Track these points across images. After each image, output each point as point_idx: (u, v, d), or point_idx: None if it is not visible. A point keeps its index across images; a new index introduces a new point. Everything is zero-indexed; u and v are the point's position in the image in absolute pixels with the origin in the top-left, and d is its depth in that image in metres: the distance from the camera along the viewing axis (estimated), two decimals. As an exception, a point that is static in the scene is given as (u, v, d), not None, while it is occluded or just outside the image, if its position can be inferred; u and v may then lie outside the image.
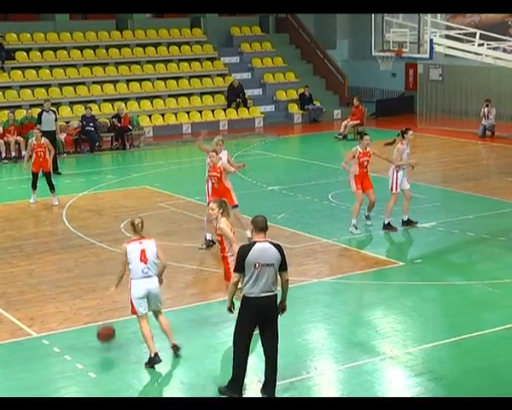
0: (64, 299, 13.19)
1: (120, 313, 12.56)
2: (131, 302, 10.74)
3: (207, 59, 33.02)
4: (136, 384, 10.24)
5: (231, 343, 10.07)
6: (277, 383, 9.72)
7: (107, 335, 11.28)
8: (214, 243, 15.65)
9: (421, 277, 14.24)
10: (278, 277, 9.61)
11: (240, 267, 9.40)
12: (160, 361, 10.60)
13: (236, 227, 13.42)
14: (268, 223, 9.74)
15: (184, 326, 11.90)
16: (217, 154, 15.52)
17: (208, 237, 15.87)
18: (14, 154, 25.38)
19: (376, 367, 10.68)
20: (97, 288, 13.70)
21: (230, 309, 9.84)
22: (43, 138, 19.05)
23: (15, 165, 24.76)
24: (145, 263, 10.59)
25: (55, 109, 24.35)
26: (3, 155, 25.31)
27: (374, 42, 22.66)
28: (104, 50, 31.26)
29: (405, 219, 17.14)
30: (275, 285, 9.48)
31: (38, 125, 22.99)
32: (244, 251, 9.40)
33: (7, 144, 25.43)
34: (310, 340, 11.74)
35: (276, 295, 9.59)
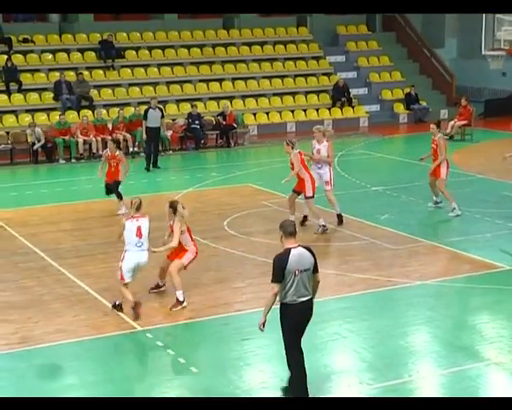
0: (169, 294, 13.37)
1: (222, 309, 12.69)
2: (121, 270, 12.31)
3: (313, 58, 32.97)
4: (236, 381, 10.31)
5: (332, 342, 10.05)
6: (379, 384, 9.62)
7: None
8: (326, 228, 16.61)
9: (529, 282, 13.85)
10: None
11: (280, 277, 9.19)
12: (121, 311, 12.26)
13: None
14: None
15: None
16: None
17: (322, 222, 16.54)
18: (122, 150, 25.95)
19: (480, 373, 10.45)
20: (199, 284, 13.86)
21: (263, 325, 9.52)
22: (118, 151, 19.03)
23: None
24: (139, 238, 12.31)
25: (161, 107, 24.78)
26: (112, 151, 25.88)
27: (484, 40, 22.21)
28: (211, 49, 31.61)
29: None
30: (310, 288, 9.40)
31: (144, 122, 23.57)
32: (282, 260, 9.20)
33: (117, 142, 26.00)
34: (412, 343, 11.58)
35: (312, 298, 9.50)
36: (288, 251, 9.27)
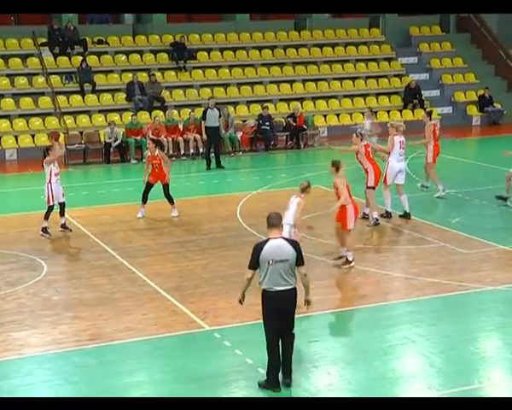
0: (236, 294, 13.30)
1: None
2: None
3: (385, 59, 32.73)
4: (303, 383, 10.27)
5: (401, 347, 9.93)
6: (448, 390, 9.48)
7: None
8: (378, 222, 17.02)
9: None
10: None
11: (253, 264, 9.87)
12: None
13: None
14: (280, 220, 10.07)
15: (353, 328, 11.82)
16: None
17: (375, 215, 17.08)
18: (192, 151, 26.18)
19: (553, 382, 10.21)
20: (268, 285, 13.84)
21: (240, 301, 10.34)
22: (157, 150, 18.62)
23: (193, 162, 25.53)
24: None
25: (219, 107, 25.02)
26: (182, 151, 26.15)
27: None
28: (282, 50, 31.65)
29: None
30: (291, 279, 9.81)
31: (203, 122, 24.00)
32: (258, 248, 9.83)
33: (186, 142, 26.26)
34: (483, 349, 11.38)
35: (293, 288, 9.87)
36: (266, 241, 9.86)
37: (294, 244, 9.86)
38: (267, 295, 9.85)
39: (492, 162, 23.40)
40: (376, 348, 11.26)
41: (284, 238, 9.96)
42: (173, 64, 29.86)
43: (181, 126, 26.61)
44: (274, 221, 9.90)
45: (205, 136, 24.15)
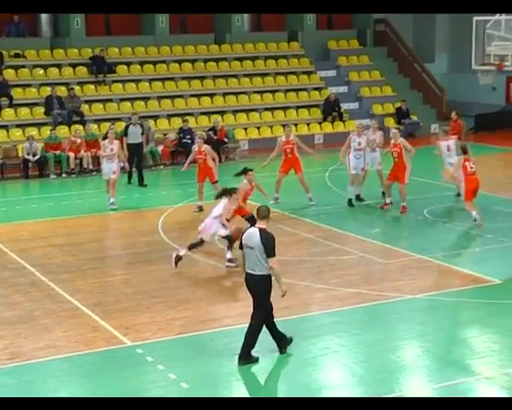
0: (158, 309, 13.36)
1: (212, 324, 12.67)
2: None
3: (304, 72, 33.05)
4: (227, 395, 10.26)
5: (323, 357, 9.97)
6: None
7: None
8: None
9: (520, 296, 13.86)
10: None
11: (240, 244, 11.17)
12: None
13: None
14: (270, 213, 11.12)
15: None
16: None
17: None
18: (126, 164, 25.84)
19: (471, 387, 10.43)
20: (191, 299, 13.83)
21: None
22: (204, 146, 19.82)
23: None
24: None
25: (143, 122, 24.70)
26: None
27: (474, 55, 22.24)
28: (202, 64, 31.65)
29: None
30: (257, 266, 10.82)
31: (125, 138, 23.45)
32: (242, 232, 11.23)
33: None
34: (403, 357, 11.56)
35: (258, 275, 10.84)
36: (248, 227, 11.24)
37: (264, 236, 10.76)
38: (245, 276, 11.10)
39: (419, 174, 23.81)
40: (299, 359, 11.33)
41: (261, 229, 10.85)
42: (92, 78, 29.55)
43: (101, 140, 26.30)
44: (262, 213, 10.96)
45: (126, 152, 23.69)
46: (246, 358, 11.06)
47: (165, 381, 10.68)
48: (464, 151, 18.22)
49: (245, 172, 17.08)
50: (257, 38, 33.43)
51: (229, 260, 15.36)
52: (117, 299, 13.92)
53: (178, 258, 15.24)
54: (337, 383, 10.71)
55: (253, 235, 10.88)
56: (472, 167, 17.94)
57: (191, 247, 15.55)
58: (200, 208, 19.87)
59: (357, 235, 17.58)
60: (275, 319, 11.37)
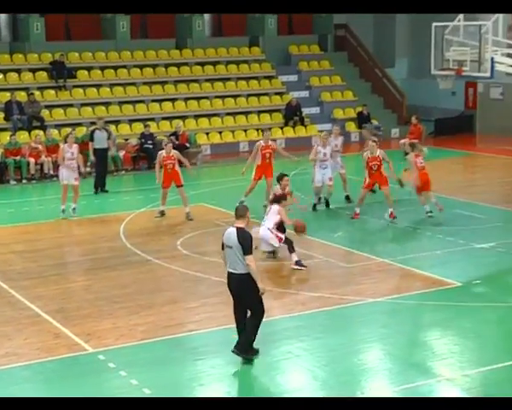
0: (120, 315, 13.29)
1: (175, 329, 12.63)
2: None
3: (265, 77, 33.14)
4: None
5: (285, 361, 9.97)
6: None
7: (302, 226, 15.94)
8: None
9: (480, 298, 14.02)
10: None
11: (222, 245, 11.29)
12: None
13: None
14: (248, 212, 11.32)
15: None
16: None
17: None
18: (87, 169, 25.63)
19: (432, 389, 10.52)
20: (154, 304, 13.78)
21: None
22: (172, 151, 19.79)
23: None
24: None
25: (107, 127, 24.54)
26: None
27: (433, 60, 22.45)
28: (163, 69, 31.59)
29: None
30: (238, 265, 10.98)
31: (91, 143, 23.26)
32: (223, 232, 11.33)
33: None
34: (365, 360, 11.63)
35: (239, 274, 10.98)
36: (228, 227, 11.33)
37: (240, 235, 10.95)
38: (227, 275, 11.25)
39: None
40: (262, 363, 11.34)
41: (237, 228, 11.05)
42: (53, 83, 29.33)
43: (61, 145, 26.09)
44: (240, 212, 11.24)
45: (93, 157, 23.43)
46: (241, 351, 11.25)
47: (128, 387, 10.63)
48: (413, 148, 19.49)
49: (281, 177, 17.10)
50: (218, 43, 33.44)
51: (297, 263, 15.52)
52: (78, 305, 13.82)
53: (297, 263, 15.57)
54: (299, 386, 10.73)
55: (231, 234, 11.04)
56: (421, 162, 19.15)
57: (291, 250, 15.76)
58: (162, 213, 19.81)
59: (321, 239, 17.64)
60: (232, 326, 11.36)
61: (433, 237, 17.65)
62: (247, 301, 11.18)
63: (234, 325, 12.03)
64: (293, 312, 13.31)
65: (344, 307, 13.61)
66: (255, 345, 11.37)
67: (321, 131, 22.30)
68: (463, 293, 14.23)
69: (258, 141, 21.30)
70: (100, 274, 15.56)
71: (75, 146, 20.72)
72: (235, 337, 11.45)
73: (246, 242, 10.95)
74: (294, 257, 15.59)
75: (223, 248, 11.29)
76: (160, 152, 20.26)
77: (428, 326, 13.04)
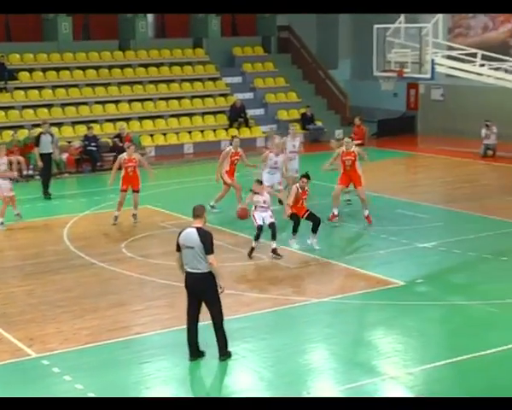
0: (64, 319, 13.16)
1: (120, 333, 12.56)
2: None
3: (209, 79, 33.12)
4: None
5: (232, 362, 10.00)
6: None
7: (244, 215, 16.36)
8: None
9: (423, 297, 14.20)
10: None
11: (176, 247, 11.32)
12: None
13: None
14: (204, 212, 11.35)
15: (185, 345, 11.85)
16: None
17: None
18: (15, 173, 25.28)
19: (377, 388, 10.63)
20: (98, 308, 13.67)
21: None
22: (134, 154, 19.70)
23: (16, 184, 24.71)
24: None
25: (52, 132, 24.13)
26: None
27: (375, 62, 22.72)
28: (107, 70, 31.36)
29: None
30: (200, 264, 11.06)
31: (37, 148, 22.79)
32: (178, 234, 11.32)
33: (10, 164, 25.35)
34: (311, 360, 11.70)
35: (202, 273, 11.05)
36: (185, 228, 11.26)
37: (202, 235, 11.04)
38: (185, 275, 11.25)
39: (317, 178, 24.13)
40: (208, 365, 11.34)
41: (198, 228, 11.10)
42: (-7, 85, 28.94)
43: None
44: (197, 212, 11.27)
45: (41, 162, 22.96)
46: (224, 353, 11.37)
47: (72, 392, 10.52)
48: (341, 144, 19.58)
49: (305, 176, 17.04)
50: (161, 45, 33.33)
51: (273, 251, 16.37)
52: (21, 310, 13.64)
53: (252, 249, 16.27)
54: (246, 388, 10.76)
55: (191, 234, 11.08)
56: (349, 159, 19.15)
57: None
58: (116, 219, 19.38)
59: (266, 240, 17.66)
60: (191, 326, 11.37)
61: (377, 237, 17.83)
62: (209, 299, 11.25)
63: (179, 327, 12.04)
64: (238, 313, 13.31)
65: (289, 307, 13.67)
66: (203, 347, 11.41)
67: (265, 132, 22.24)
68: (406, 292, 14.41)
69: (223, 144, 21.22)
70: (43, 278, 15.39)
71: (5, 157, 20.23)
72: (182, 339, 11.43)
73: (207, 241, 11.05)
74: (273, 244, 16.28)
75: (178, 250, 11.27)
76: (120, 155, 19.91)
77: (372, 325, 13.18)
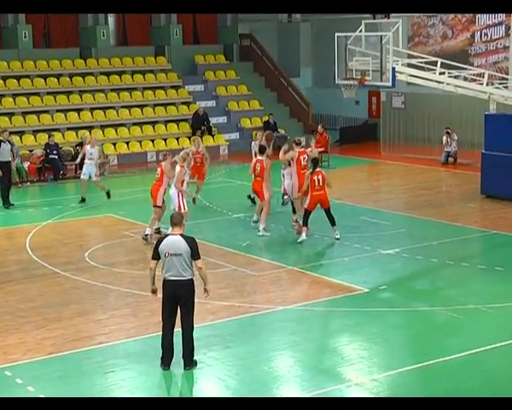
0: (27, 329, 13.04)
1: (84, 342, 12.47)
2: None
3: (172, 87, 33.08)
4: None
5: (197, 371, 9.97)
6: None
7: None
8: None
9: (386, 303, 14.30)
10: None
11: (154, 255, 11.29)
12: None
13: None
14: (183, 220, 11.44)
15: (149, 354, 11.81)
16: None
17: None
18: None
19: (342, 394, 10.67)
20: (61, 317, 13.57)
21: (153, 291, 11.63)
22: (200, 146, 20.57)
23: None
24: None
25: (10, 139, 23.85)
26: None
27: (337, 70, 22.84)
28: (68, 79, 31.18)
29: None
30: (186, 271, 11.08)
31: None
32: (158, 242, 11.31)
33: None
34: (276, 368, 11.71)
35: (187, 280, 11.09)
36: (166, 236, 11.39)
37: (189, 241, 11.10)
38: (164, 283, 11.17)
39: (277, 186, 24.22)
40: (174, 373, 11.31)
41: (182, 235, 11.14)
42: (-47, 93, 28.62)
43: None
44: (175, 220, 11.26)
45: (0, 172, 22.61)
46: (191, 362, 11.39)
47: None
48: (297, 145, 20.23)
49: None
50: (123, 53, 33.22)
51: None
52: (-17, 321, 13.49)
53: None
54: (211, 396, 10.73)
55: (177, 242, 11.08)
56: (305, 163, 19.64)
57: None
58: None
59: (229, 248, 17.70)
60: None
61: (341, 244, 17.91)
62: (188, 307, 11.27)
63: (144, 336, 12.01)
64: (203, 322, 13.27)
65: (253, 315, 13.69)
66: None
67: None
68: (370, 299, 14.49)
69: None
70: (5, 288, 15.23)
71: None
72: (147, 348, 11.38)
73: (195, 246, 11.14)
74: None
75: (154, 258, 11.27)
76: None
77: (337, 332, 13.23)
